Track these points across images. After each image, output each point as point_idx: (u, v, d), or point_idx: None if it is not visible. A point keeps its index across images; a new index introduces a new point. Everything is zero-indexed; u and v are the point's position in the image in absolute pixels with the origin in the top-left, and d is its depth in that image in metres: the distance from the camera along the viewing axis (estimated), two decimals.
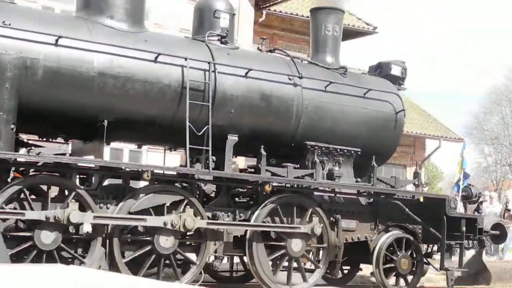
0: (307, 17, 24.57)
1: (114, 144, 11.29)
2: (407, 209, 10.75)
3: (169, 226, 8.65)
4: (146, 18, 9.66)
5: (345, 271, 11.83)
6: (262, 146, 9.66)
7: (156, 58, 8.90)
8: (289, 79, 10.08)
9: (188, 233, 9.12)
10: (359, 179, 10.97)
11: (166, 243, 8.73)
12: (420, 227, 11.10)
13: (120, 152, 16.22)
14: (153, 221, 8.60)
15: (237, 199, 10.32)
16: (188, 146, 8.85)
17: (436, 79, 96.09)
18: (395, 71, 11.64)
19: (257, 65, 9.81)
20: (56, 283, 5.87)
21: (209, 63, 9.26)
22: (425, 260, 11.53)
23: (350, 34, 26.93)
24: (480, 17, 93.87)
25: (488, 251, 19.44)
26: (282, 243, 9.74)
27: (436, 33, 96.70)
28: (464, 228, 11.20)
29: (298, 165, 10.27)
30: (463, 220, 11.26)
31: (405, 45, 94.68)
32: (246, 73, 9.63)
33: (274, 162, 10.49)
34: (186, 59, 9.04)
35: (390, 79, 11.60)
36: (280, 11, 24.02)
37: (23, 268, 6.98)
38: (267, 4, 23.08)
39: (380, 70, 11.80)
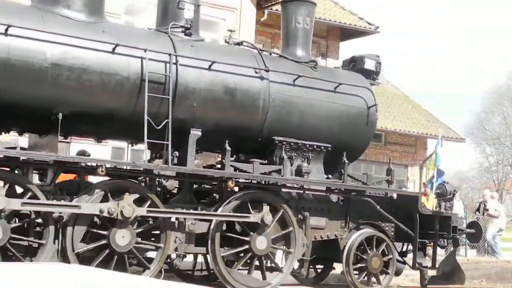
0: None
1: (115, 143, 11.05)
2: (378, 207, 10.48)
3: (105, 214, 8.25)
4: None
5: (319, 270, 11.59)
6: (227, 141, 9.37)
7: (113, 49, 8.60)
8: (256, 72, 9.79)
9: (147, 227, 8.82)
10: (330, 176, 10.71)
11: (122, 240, 8.42)
12: (393, 225, 10.83)
13: (122, 151, 15.95)
14: (87, 208, 8.21)
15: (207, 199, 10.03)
16: (146, 140, 8.55)
17: (438, 79, 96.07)
18: (369, 65, 11.35)
19: (222, 58, 9.52)
20: (56, 282, 5.87)
21: (170, 55, 8.96)
22: (400, 259, 11.29)
23: (351, 33, 26.94)
24: (482, 15, 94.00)
25: (489, 251, 19.30)
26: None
27: (437, 33, 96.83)
28: (437, 226, 10.94)
29: (266, 161, 10.02)
30: (437, 218, 10.99)
31: (407, 44, 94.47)
32: (210, 65, 9.34)
33: (243, 158, 10.27)
34: (145, 50, 8.74)
35: (364, 73, 11.32)
36: None
37: (24, 267, 6.93)
38: (269, 4, 23.09)
39: (354, 64, 11.52)
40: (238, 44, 10.44)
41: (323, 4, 26.29)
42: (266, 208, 9.39)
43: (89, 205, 8.19)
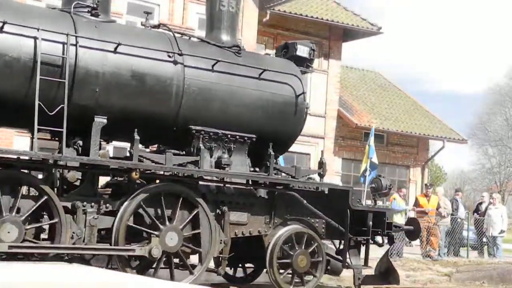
0: (312, 17, 24.58)
1: (117, 143, 10.39)
2: (305, 201, 9.81)
3: None
4: None
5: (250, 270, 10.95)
6: (136, 130, 8.69)
7: (1, 27, 7.90)
8: (169, 56, 9.12)
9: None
10: (257, 169, 10.06)
11: (7, 236, 7.73)
12: (324, 221, 10.17)
13: (124, 151, 15.25)
14: None
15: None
16: (36, 127, 7.87)
17: (440, 79, 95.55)
18: (301, 51, 10.68)
19: (130, 40, 8.84)
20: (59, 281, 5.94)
21: (67, 35, 8.27)
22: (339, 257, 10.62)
23: (354, 34, 26.50)
24: (485, 15, 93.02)
25: (490, 252, 18.76)
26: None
27: (440, 33, 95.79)
28: (370, 223, 10.29)
29: (184, 152, 9.36)
30: (370, 214, 10.34)
31: (409, 44, 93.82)
32: (116, 48, 8.65)
33: (162, 149, 9.61)
34: (38, 29, 8.05)
35: (297, 60, 10.66)
36: (284, 11, 23.81)
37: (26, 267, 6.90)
38: (271, 4, 22.94)
39: (286, 51, 10.86)
40: (155, 27, 9.75)
41: (325, 5, 25.98)
42: (155, 240, 8.65)
43: None
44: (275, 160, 10.46)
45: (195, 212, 8.99)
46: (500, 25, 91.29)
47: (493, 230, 19.19)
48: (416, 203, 18.79)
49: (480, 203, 21.40)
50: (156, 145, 10.16)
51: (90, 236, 8.42)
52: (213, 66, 9.45)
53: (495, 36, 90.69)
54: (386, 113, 29.50)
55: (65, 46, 8.26)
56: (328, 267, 10.64)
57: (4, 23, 7.88)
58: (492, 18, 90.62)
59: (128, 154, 9.21)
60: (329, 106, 26.13)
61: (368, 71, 33.39)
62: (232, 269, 11.06)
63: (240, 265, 11.07)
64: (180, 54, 9.15)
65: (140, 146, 9.24)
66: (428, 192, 18.89)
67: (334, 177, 26.05)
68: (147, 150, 9.78)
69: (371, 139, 14.33)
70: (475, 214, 21.01)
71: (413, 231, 11.01)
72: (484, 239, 19.77)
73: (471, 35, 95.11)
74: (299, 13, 24.26)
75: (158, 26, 9.75)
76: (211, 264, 9.68)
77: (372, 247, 10.66)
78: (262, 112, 9.89)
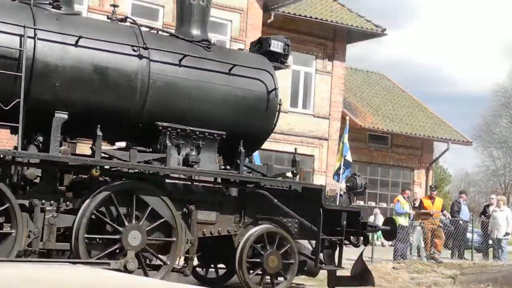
0: (316, 18, 24.38)
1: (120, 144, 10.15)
2: (275, 200, 9.53)
3: None
4: None
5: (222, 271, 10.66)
6: (99, 126, 8.42)
7: None
8: (134, 50, 8.85)
9: None
10: (228, 167, 9.79)
11: None
12: (297, 221, 9.90)
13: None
14: None
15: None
16: None
17: (445, 81, 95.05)
18: (275, 47, 10.40)
19: (93, 34, 8.57)
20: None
21: (24, 27, 7.99)
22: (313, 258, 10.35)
23: (358, 36, 26.39)
24: (490, 14, 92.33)
25: (495, 254, 18.53)
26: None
27: (444, 34, 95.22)
28: (344, 222, 10.02)
29: (151, 149, 9.09)
30: (344, 214, 10.07)
31: (413, 46, 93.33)
32: (77, 41, 8.38)
33: (129, 147, 9.33)
34: None
35: (270, 56, 10.38)
36: (289, 13, 23.66)
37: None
38: (276, 6, 22.84)
39: (260, 46, 10.59)
40: (122, 20, 9.47)
41: (330, 6, 25.84)
42: (130, 253, 8.37)
43: None
44: (248, 158, 10.23)
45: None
46: (503, 25, 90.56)
47: (498, 233, 18.97)
48: (421, 205, 18.57)
49: (488, 205, 21.20)
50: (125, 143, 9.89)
51: (49, 235, 8.15)
52: (180, 60, 9.17)
53: (499, 36, 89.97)
54: (391, 115, 29.31)
55: (22, 38, 7.98)
56: (305, 268, 10.38)
57: None
58: (495, 17, 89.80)
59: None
60: (333, 108, 25.86)
61: (372, 72, 33.27)
62: (204, 269, 10.80)
63: (212, 265, 10.80)
64: (145, 48, 8.88)
65: (106, 143, 9.00)
66: (433, 194, 18.85)
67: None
68: (114, 147, 9.51)
69: (345, 136, 14.04)
70: (482, 216, 20.91)
71: (390, 231, 10.73)
72: (490, 242, 19.53)
73: (475, 35, 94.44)
74: (304, 14, 24.15)
75: (124, 20, 9.47)
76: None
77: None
78: (232, 108, 9.62)
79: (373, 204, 28.43)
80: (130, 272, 8.28)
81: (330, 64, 25.91)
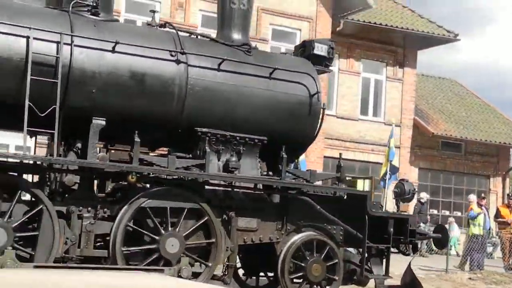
0: (386, 25, 24.24)
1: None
2: (318, 206, 9.28)
3: None
4: None
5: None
6: (136, 132, 8.36)
7: None
8: (171, 55, 8.76)
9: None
10: (270, 173, 9.59)
11: None
12: (341, 228, 9.61)
13: None
14: None
15: None
16: (25, 128, 7.64)
17: None
18: (319, 50, 10.16)
19: (130, 39, 8.53)
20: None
21: (61, 34, 8.01)
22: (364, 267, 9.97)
23: (430, 42, 26.13)
24: None
25: None
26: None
27: None
28: (391, 230, 9.67)
29: (191, 155, 8.98)
30: (391, 221, 9.71)
31: (487, 51, 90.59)
32: (113, 47, 8.36)
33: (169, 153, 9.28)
34: (30, 28, 7.83)
35: (314, 59, 10.15)
36: (358, 20, 23.67)
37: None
38: (345, 13, 22.89)
39: (303, 49, 10.37)
40: (162, 26, 9.43)
41: (400, 13, 25.67)
42: (184, 260, 8.32)
43: None
44: (294, 163, 10.01)
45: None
46: None
47: None
48: (498, 214, 17.93)
49: None
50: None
51: (86, 242, 8.12)
52: (219, 65, 9.04)
53: None
54: (464, 121, 28.62)
55: (59, 45, 8.00)
56: (354, 277, 10.06)
57: None
58: None
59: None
60: (404, 115, 25.56)
61: (444, 78, 32.66)
62: (249, 278, 10.60)
63: (258, 274, 10.59)
64: (183, 53, 8.78)
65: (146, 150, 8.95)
66: (510, 202, 18.17)
67: None
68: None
69: (391, 140, 13.56)
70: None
71: (440, 239, 10.29)
72: None
73: None
74: (373, 21, 23.97)
75: (164, 25, 9.42)
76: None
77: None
78: (273, 113, 9.42)
79: (447, 213, 27.75)
80: (183, 277, 8.15)
81: (401, 71, 25.67)
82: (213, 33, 10.20)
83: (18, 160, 7.87)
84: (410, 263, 10.15)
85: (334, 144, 22.53)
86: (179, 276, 8.11)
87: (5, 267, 7.14)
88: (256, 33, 20.66)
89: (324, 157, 21.93)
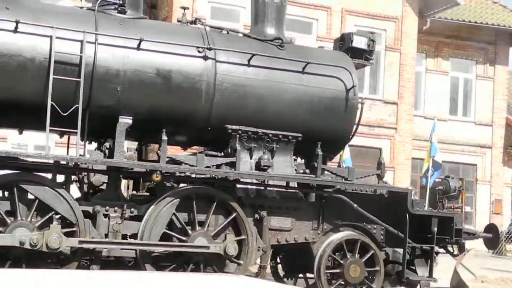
0: (475, 22, 23.59)
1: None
2: (355, 205, 8.91)
3: (27, 246, 7.38)
4: None
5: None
6: (164, 130, 8.23)
7: (15, 27, 7.72)
8: (199, 51, 8.58)
9: None
10: (308, 171, 9.29)
11: None
12: (382, 227, 9.20)
13: None
14: (4, 239, 7.36)
15: None
16: (48, 128, 7.61)
17: None
18: (358, 43, 9.79)
19: (156, 36, 8.41)
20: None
21: (84, 32, 7.96)
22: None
23: None
24: None
25: None
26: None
27: None
28: (435, 229, 9.18)
29: (223, 153, 8.79)
30: (434, 219, 9.23)
31: None
32: (138, 44, 8.25)
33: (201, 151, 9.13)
34: (53, 28, 7.81)
35: (353, 52, 9.79)
36: (446, 18, 23.21)
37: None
38: (432, 12, 22.51)
39: (342, 43, 10.01)
40: (192, 22, 9.27)
41: (490, 9, 24.97)
42: (230, 236, 8.17)
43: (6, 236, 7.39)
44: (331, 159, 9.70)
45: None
46: None
47: None
48: None
49: None
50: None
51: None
52: (249, 60, 8.80)
53: None
54: None
55: (82, 44, 7.96)
56: (403, 279, 9.61)
57: (18, 22, 7.69)
58: None
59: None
60: (496, 114, 24.71)
61: None
62: (291, 279, 10.31)
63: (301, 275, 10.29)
64: (210, 49, 8.58)
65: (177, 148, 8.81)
66: None
67: (504, 189, 24.70)
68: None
69: (433, 135, 12.89)
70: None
71: (492, 238, 9.72)
72: None
73: None
74: (462, 19, 23.37)
75: (194, 22, 9.25)
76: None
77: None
78: (307, 109, 9.11)
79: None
80: (229, 257, 8.16)
81: (491, 69, 24.82)
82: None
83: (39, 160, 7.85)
84: (455, 266, 9.62)
85: (423, 146, 21.80)
86: (225, 253, 8.09)
87: (51, 241, 7.39)
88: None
89: (412, 158, 21.50)
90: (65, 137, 8.77)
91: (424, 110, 23.43)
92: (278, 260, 10.40)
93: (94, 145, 8.94)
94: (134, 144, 9.49)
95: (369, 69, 20.64)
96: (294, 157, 9.19)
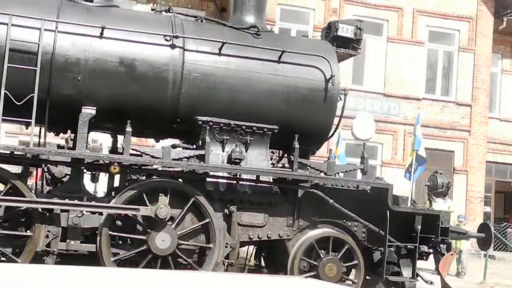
0: None
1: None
2: (331, 200, 8.47)
3: None
4: None
5: None
6: (129, 122, 7.96)
7: None
8: (166, 40, 8.28)
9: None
10: (287, 164, 8.91)
11: None
12: (363, 225, 8.73)
13: None
14: None
15: None
16: (0, 117, 7.42)
17: None
18: (343, 31, 9.34)
19: (121, 25, 8.15)
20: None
21: (42, 20, 7.74)
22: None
23: None
24: None
25: None
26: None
27: None
28: (418, 227, 8.66)
29: (194, 146, 8.48)
30: (418, 217, 8.70)
31: None
32: (101, 32, 8.01)
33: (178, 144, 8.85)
34: (9, 15, 7.62)
35: (339, 41, 9.35)
36: None
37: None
38: (508, 11, 21.80)
39: (328, 32, 9.58)
40: (167, 11, 8.97)
41: None
42: (162, 198, 7.80)
43: None
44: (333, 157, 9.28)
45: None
46: None
47: None
48: None
49: None
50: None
51: (73, 235, 7.79)
52: (220, 49, 8.46)
53: None
54: None
55: (40, 32, 7.75)
56: (382, 279, 9.11)
57: None
58: None
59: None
60: None
61: None
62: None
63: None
64: (177, 37, 8.27)
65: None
66: None
67: None
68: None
69: (417, 127, 12.20)
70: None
71: (485, 238, 9.12)
72: None
73: None
74: None
75: (168, 10, 8.96)
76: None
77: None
78: (283, 100, 8.71)
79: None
80: (161, 220, 7.77)
81: None
82: None
83: None
84: (437, 268, 9.06)
85: (498, 149, 21.07)
86: (156, 216, 7.73)
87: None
88: (412, 35, 20.14)
89: (487, 162, 20.68)
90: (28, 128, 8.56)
91: (499, 112, 22.54)
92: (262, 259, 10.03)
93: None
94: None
95: (441, 71, 20.23)
96: (271, 150, 8.82)
